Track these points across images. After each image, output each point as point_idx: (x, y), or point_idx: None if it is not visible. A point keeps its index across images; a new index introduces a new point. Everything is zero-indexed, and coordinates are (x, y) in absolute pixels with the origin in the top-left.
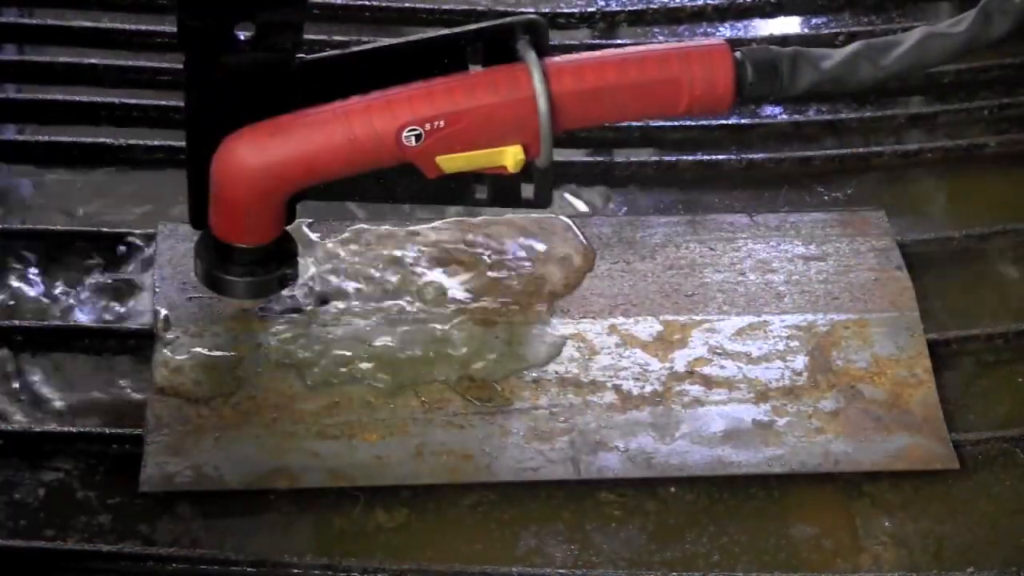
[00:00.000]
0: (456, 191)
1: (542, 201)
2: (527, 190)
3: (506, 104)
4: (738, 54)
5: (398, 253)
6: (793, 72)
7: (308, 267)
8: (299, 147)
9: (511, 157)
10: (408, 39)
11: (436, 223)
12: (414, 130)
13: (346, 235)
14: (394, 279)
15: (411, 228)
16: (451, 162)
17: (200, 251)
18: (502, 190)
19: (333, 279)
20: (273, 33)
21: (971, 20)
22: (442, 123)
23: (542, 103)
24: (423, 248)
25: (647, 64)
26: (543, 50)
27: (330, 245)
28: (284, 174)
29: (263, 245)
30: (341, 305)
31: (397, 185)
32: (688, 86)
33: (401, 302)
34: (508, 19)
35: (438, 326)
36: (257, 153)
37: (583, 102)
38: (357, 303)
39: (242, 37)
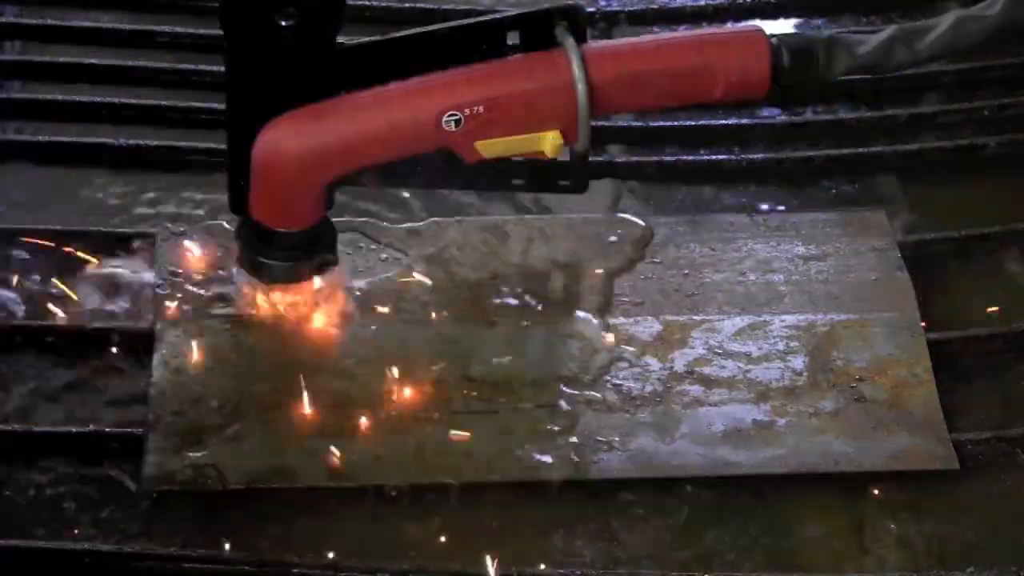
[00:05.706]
0: (494, 176)
1: (579, 186)
2: (564, 175)
3: (545, 90)
4: (774, 40)
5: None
6: (829, 58)
7: None
8: (340, 132)
9: (549, 142)
10: (447, 25)
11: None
12: (454, 115)
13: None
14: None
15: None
16: (490, 147)
17: (240, 236)
18: (540, 175)
19: None
20: (314, 19)
21: (1004, 2)
22: (481, 108)
23: (581, 89)
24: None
25: (683, 50)
26: (581, 36)
27: None
28: (325, 159)
29: (303, 230)
30: None
31: (436, 171)
32: (724, 72)
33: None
34: (546, 5)
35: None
36: (298, 138)
37: (621, 88)
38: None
39: (283, 24)
